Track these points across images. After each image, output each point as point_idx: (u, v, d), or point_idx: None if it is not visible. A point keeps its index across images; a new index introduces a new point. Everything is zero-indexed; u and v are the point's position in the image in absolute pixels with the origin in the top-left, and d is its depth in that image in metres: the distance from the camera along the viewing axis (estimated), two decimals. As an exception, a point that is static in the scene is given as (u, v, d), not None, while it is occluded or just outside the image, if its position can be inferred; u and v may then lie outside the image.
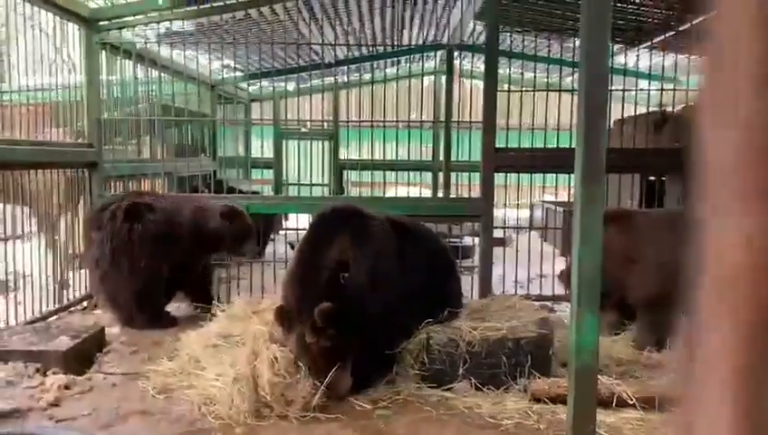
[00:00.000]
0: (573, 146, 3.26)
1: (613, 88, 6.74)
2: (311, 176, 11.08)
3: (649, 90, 8.21)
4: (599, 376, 3.45)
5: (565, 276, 5.36)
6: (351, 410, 3.98)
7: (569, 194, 7.40)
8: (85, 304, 6.67)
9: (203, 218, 6.02)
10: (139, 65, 7.64)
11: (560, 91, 7.15)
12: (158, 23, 7.15)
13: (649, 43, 8.70)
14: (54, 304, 6.25)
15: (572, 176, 3.23)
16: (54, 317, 6.06)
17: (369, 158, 8.82)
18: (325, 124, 13.38)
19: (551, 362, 4.41)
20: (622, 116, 8.18)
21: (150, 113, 8.03)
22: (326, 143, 13.42)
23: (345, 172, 12.81)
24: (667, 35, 8.29)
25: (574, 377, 3.08)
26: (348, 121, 9.38)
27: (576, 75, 6.84)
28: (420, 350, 4.31)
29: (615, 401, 3.88)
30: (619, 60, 9.23)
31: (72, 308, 6.49)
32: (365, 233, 4.31)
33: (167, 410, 3.91)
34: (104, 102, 7.08)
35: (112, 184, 7.23)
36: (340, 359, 3.92)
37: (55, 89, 6.65)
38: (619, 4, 7.45)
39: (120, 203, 5.86)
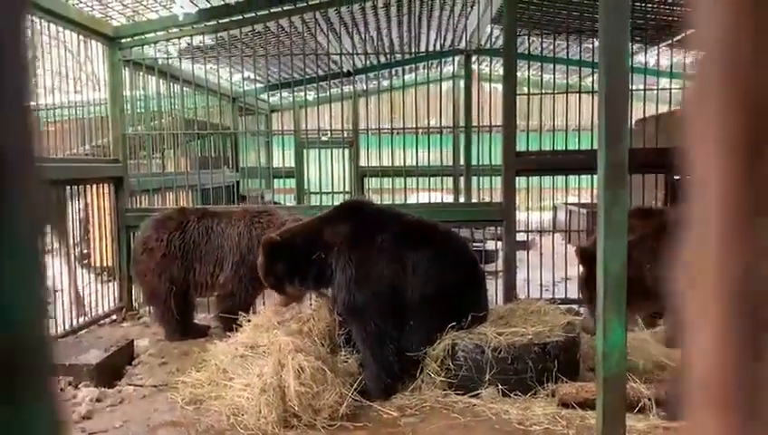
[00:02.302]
0: (595, 147, 3.23)
1: (634, 87, 6.67)
2: (332, 184, 11.11)
3: (671, 88, 8.11)
4: (628, 380, 3.41)
5: (581, 285, 5.29)
6: (378, 417, 3.98)
7: (592, 195, 7.33)
8: (114, 316, 6.78)
9: (251, 247, 5.70)
10: (161, 80, 7.76)
11: (579, 92, 7.09)
12: (178, 38, 7.26)
13: (670, 41, 8.60)
14: (84, 317, 6.36)
15: (595, 177, 3.21)
16: (85, 331, 6.16)
17: (390, 164, 8.85)
18: (345, 132, 13.44)
19: (578, 366, 4.37)
20: (644, 115, 8.09)
21: (173, 127, 8.14)
22: (346, 151, 13.48)
23: (366, 179, 12.85)
24: (687, 32, 8.18)
25: (602, 381, 3.05)
26: (367, 129, 9.41)
27: (596, 75, 6.79)
28: (446, 356, 4.29)
29: (644, 405, 3.83)
30: (639, 59, 9.14)
31: (102, 321, 6.60)
32: (358, 227, 4.53)
33: (196, 420, 3.95)
34: (128, 118, 7.21)
35: (138, 198, 7.34)
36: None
37: (80, 106, 6.78)
38: (638, 3, 7.38)
39: (168, 219, 5.93)
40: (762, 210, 0.36)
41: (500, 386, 4.19)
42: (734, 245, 0.37)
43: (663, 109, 8.14)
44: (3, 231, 0.38)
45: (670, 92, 7.89)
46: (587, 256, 5.10)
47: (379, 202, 7.95)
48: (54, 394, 0.43)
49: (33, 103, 0.43)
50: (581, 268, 5.26)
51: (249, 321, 5.14)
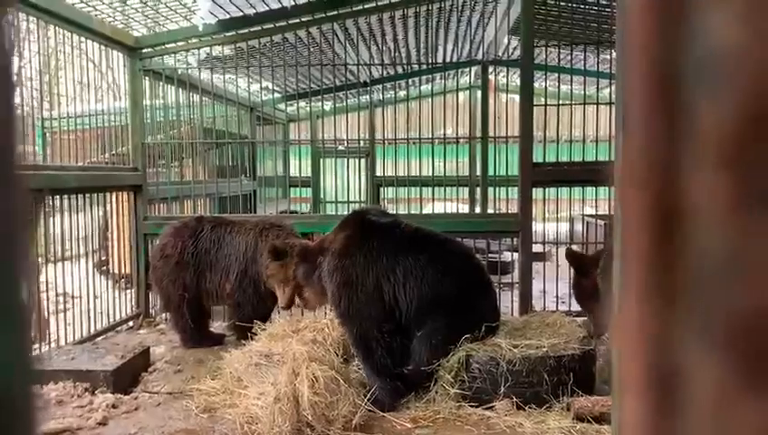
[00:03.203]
0: (612, 158, 3.22)
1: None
2: (348, 193, 11.13)
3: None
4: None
5: (573, 288, 5.21)
6: (392, 428, 3.97)
7: (609, 207, 7.28)
8: (131, 323, 6.84)
9: (255, 259, 5.74)
10: (180, 90, 7.86)
11: (597, 103, 7.07)
12: (198, 48, 7.35)
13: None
14: (102, 324, 6.42)
15: (612, 189, 3.19)
16: (102, 337, 6.22)
17: (406, 174, 8.86)
18: (361, 142, 13.48)
19: (594, 379, 4.32)
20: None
21: (192, 136, 8.23)
22: (363, 161, 13.51)
23: (382, 189, 12.86)
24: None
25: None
26: (384, 139, 9.44)
27: (613, 87, 6.75)
28: (460, 368, 4.27)
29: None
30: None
31: (119, 328, 6.66)
32: (351, 235, 4.67)
33: (210, 429, 3.96)
34: (147, 127, 7.30)
35: (156, 206, 7.41)
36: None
37: (101, 114, 6.88)
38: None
39: (185, 226, 5.99)
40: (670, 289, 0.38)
41: (514, 399, 4.16)
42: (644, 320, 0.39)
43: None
44: None
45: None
46: (575, 260, 5.06)
47: (394, 211, 7.97)
48: None
49: (15, 107, 0.41)
50: (572, 272, 5.18)
51: (264, 329, 5.16)
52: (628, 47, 0.40)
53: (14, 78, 0.41)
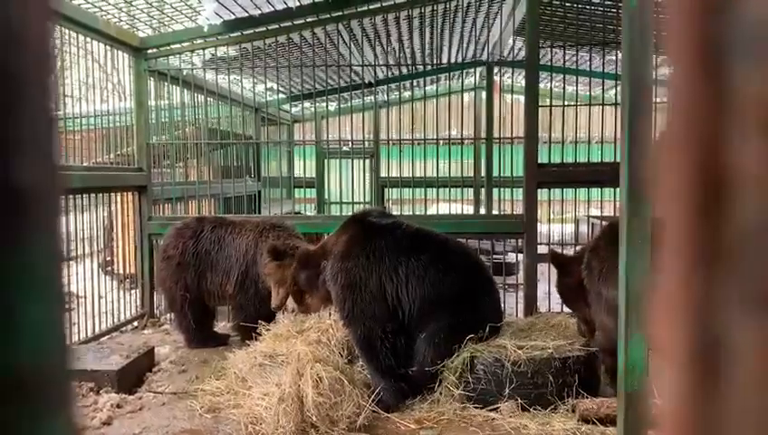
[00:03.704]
0: (617, 159, 3.20)
1: (658, 100, 6.60)
2: (352, 194, 11.16)
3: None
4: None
5: (557, 290, 5.15)
6: (396, 429, 3.96)
7: (615, 208, 7.26)
8: (136, 323, 6.85)
9: (256, 260, 5.74)
10: (185, 90, 7.87)
11: (603, 104, 7.04)
12: (203, 49, 7.36)
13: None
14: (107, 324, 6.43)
15: (618, 190, 3.18)
16: (107, 337, 6.23)
17: (410, 175, 8.85)
18: (366, 143, 13.49)
19: (599, 381, 4.30)
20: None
21: (197, 137, 8.24)
22: (367, 162, 13.52)
23: (387, 190, 12.86)
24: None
25: (624, 397, 3.00)
26: (388, 139, 9.43)
27: (619, 88, 6.74)
28: (464, 369, 4.26)
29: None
30: (664, 71, 9.05)
31: (124, 328, 6.67)
32: (352, 237, 4.70)
33: (214, 429, 3.96)
34: (152, 127, 7.31)
35: (161, 206, 7.42)
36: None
37: (106, 115, 6.90)
38: (662, 15, 7.32)
39: (186, 227, 5.99)
40: (711, 262, 0.38)
41: (519, 400, 4.14)
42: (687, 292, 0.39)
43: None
44: (27, 273, 0.39)
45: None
46: (557, 259, 5.04)
47: (398, 213, 7.97)
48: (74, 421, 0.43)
49: (58, 136, 0.44)
50: (556, 274, 5.15)
51: (269, 330, 5.16)
52: (672, 16, 0.40)
53: (55, 86, 0.43)
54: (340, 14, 7.27)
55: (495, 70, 10.73)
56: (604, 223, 8.02)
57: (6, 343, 0.38)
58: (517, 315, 6.17)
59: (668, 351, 0.40)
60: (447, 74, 11.50)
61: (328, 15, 7.24)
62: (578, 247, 5.84)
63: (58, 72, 6.07)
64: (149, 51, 7.07)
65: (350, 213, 6.62)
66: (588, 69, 7.93)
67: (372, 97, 12.37)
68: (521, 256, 7.11)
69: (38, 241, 0.40)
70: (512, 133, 9.68)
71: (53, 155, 0.42)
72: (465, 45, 9.90)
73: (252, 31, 7.19)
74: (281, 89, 11.19)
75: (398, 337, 4.47)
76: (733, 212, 0.37)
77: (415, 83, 12.20)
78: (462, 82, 10.70)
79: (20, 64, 0.38)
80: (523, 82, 6.63)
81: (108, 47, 6.64)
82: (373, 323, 4.46)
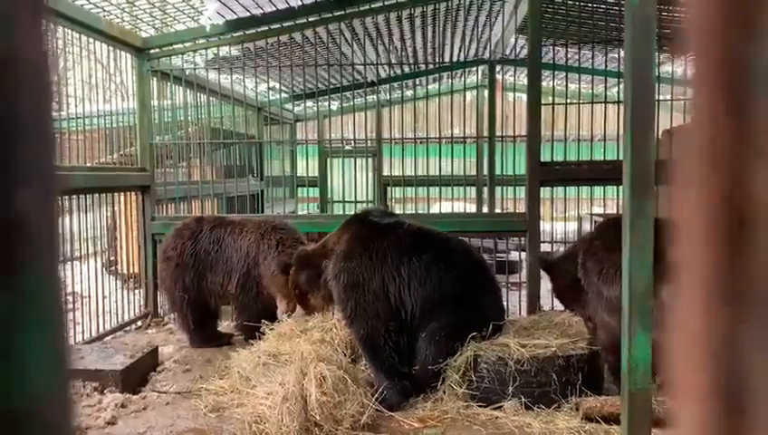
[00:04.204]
0: (620, 158, 3.20)
1: (661, 98, 6.59)
2: (355, 193, 11.14)
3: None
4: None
5: (557, 296, 5.14)
6: (400, 428, 3.96)
7: (618, 206, 7.24)
8: (140, 323, 6.86)
9: (258, 261, 5.75)
10: (188, 90, 7.88)
11: (605, 102, 7.03)
12: (206, 49, 7.37)
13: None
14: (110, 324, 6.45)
15: (621, 188, 3.17)
16: (110, 337, 6.25)
17: (413, 174, 8.85)
18: (369, 142, 13.48)
19: (602, 379, 4.30)
20: (671, 126, 7.98)
21: (200, 136, 8.25)
22: (370, 160, 13.51)
23: (389, 189, 12.86)
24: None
25: (628, 396, 3.00)
26: (391, 138, 9.44)
27: (622, 85, 6.72)
28: (467, 368, 4.27)
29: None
30: (667, 68, 9.03)
31: (127, 328, 6.69)
32: (354, 237, 4.71)
33: (218, 428, 3.97)
34: (155, 127, 7.32)
35: (164, 206, 7.43)
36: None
37: (109, 115, 6.91)
38: (665, 13, 7.31)
39: (185, 228, 6.00)
40: (739, 298, 0.37)
41: (523, 399, 4.14)
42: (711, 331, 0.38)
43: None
44: (28, 305, 0.39)
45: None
46: (546, 265, 5.04)
47: (401, 211, 7.97)
48: None
49: (57, 164, 0.44)
50: (550, 280, 5.14)
51: (272, 329, 5.17)
52: (696, 36, 0.39)
53: (54, 85, 0.43)
54: (342, 13, 7.27)
55: (498, 68, 10.71)
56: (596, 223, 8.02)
57: (8, 374, 0.38)
58: (520, 314, 6.17)
59: (691, 392, 0.39)
60: (450, 73, 11.50)
61: (330, 14, 7.24)
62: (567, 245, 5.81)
63: (58, 93, 6.08)
64: (152, 51, 7.08)
65: (352, 212, 6.62)
66: (590, 67, 7.91)
67: (375, 96, 12.38)
68: (523, 255, 7.11)
69: (38, 270, 0.40)
70: (514, 132, 9.67)
71: (54, 187, 0.42)
72: (467, 44, 9.89)
73: (254, 30, 7.20)
74: (283, 88, 11.20)
75: (400, 336, 4.48)
76: (757, 247, 0.36)
77: (417, 82, 12.19)
78: (464, 81, 10.68)
79: (20, 100, 0.38)
80: (526, 81, 6.62)
81: (111, 47, 6.65)
82: (376, 323, 4.47)
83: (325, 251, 4.81)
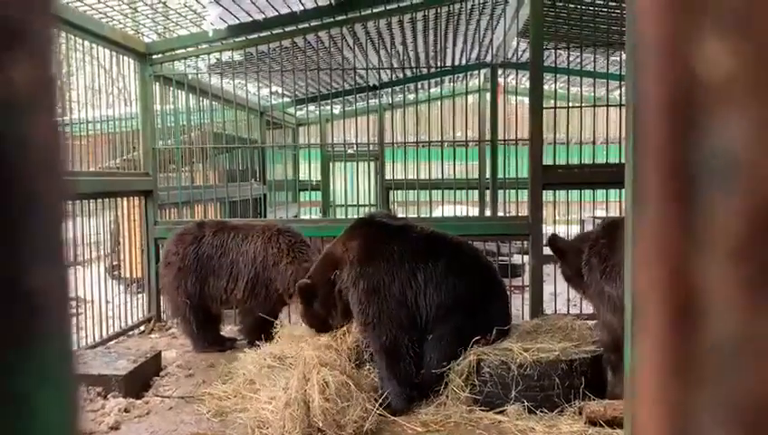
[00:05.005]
0: (623, 160, 3.19)
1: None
2: (357, 197, 11.15)
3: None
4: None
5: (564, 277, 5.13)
6: (403, 432, 3.96)
7: (620, 209, 7.24)
8: (143, 328, 6.87)
9: (267, 265, 5.76)
10: (190, 95, 7.90)
11: (607, 105, 7.03)
12: (208, 54, 7.39)
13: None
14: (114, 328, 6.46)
15: (623, 191, 3.17)
16: (114, 341, 6.26)
17: (415, 177, 8.86)
18: (371, 146, 13.49)
19: (605, 383, 4.29)
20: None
21: (202, 141, 8.27)
22: (372, 164, 13.52)
23: (392, 192, 12.86)
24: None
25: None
26: (393, 142, 9.44)
27: (623, 88, 6.72)
28: (471, 372, 4.26)
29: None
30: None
31: (131, 332, 6.69)
32: (368, 240, 4.60)
33: (221, 432, 3.97)
34: (158, 132, 7.34)
35: (167, 211, 7.45)
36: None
37: (112, 120, 6.93)
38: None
39: (187, 233, 6.01)
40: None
41: (526, 403, 4.13)
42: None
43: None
44: (38, 365, 0.40)
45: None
46: (556, 247, 5.03)
47: (404, 215, 7.96)
48: None
49: (65, 237, 0.45)
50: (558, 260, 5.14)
51: (281, 328, 5.19)
52: (643, 144, 0.41)
53: (59, 91, 0.44)
54: (344, 17, 7.29)
55: (500, 71, 10.72)
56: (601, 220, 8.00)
57: None
58: (523, 317, 6.16)
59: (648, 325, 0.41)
60: (452, 77, 11.51)
61: (332, 19, 7.26)
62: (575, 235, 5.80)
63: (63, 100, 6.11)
64: (155, 56, 7.10)
65: (355, 216, 6.62)
66: (592, 70, 7.91)
67: (377, 100, 12.40)
68: (526, 258, 7.10)
69: (50, 342, 0.41)
70: (516, 135, 9.68)
71: (64, 259, 0.44)
72: (469, 47, 9.91)
73: (256, 35, 7.22)
74: (286, 92, 11.22)
75: (419, 345, 4.42)
76: (703, 326, 0.38)
77: (419, 86, 12.21)
78: (466, 85, 10.69)
79: (29, 171, 0.39)
80: (528, 84, 6.63)
81: (113, 53, 6.67)
82: (399, 332, 4.37)
83: (335, 261, 4.65)
